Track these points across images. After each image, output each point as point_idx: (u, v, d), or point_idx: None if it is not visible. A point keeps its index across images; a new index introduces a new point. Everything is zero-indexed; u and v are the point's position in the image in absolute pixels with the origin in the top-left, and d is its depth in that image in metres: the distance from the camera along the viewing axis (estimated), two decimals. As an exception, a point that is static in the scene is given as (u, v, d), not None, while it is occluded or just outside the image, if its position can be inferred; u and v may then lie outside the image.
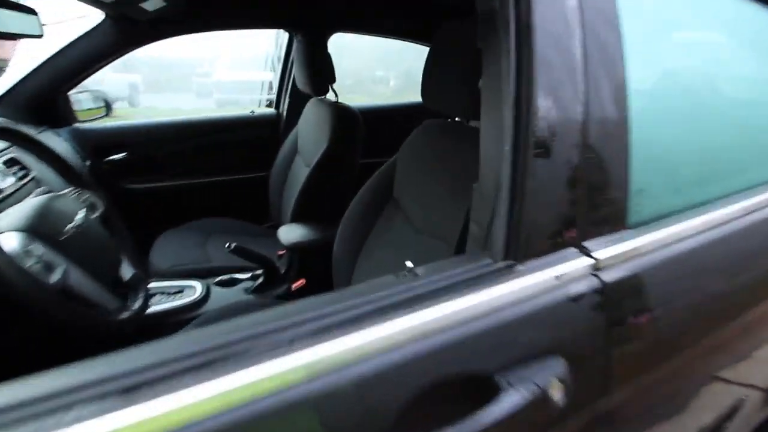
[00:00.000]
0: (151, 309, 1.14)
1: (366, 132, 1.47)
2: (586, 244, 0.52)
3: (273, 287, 1.30)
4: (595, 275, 0.51)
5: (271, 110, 1.99)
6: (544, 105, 0.47)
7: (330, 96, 1.56)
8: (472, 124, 0.87)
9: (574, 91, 0.49)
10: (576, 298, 0.49)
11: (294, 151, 1.72)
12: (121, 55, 1.55)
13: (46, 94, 1.47)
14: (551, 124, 0.48)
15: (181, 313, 1.16)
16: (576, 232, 0.51)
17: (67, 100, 1.58)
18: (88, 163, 1.60)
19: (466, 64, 0.68)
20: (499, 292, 0.46)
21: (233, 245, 1.20)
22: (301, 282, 1.30)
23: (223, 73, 6.82)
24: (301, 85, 1.55)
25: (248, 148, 1.92)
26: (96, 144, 1.67)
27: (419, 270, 0.48)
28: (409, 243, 0.95)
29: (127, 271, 0.97)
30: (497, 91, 0.49)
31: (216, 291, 1.27)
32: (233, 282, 1.35)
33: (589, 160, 0.50)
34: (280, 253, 1.43)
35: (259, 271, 1.30)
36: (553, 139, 0.48)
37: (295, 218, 1.40)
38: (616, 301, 0.52)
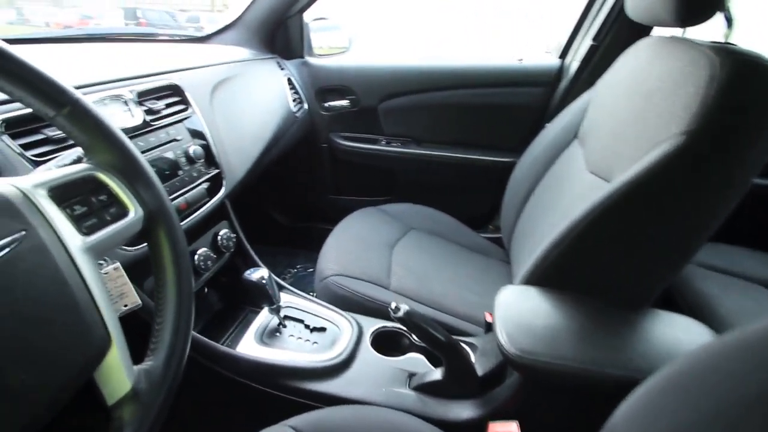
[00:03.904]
0: (271, 357, 0.73)
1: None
2: None
3: (454, 394, 0.68)
4: None
5: (553, 61, 1.22)
6: None
7: (702, 32, 0.68)
8: None
9: None
10: None
11: (570, 135, 0.95)
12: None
13: (276, 16, 1.20)
14: None
15: (300, 377, 0.71)
16: None
17: (300, 27, 1.30)
18: (305, 106, 1.32)
19: None
20: None
21: (402, 309, 0.63)
22: (509, 429, 0.62)
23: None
24: (641, 7, 0.73)
25: (502, 116, 1.26)
26: (321, 85, 1.37)
27: None
28: None
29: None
30: None
31: (366, 355, 0.76)
32: (398, 344, 0.81)
33: None
34: (490, 318, 0.78)
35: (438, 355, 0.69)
36: None
37: (545, 275, 0.67)
38: None
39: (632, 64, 0.80)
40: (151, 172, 0.42)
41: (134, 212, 0.40)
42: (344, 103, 1.37)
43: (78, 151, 0.43)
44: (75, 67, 0.70)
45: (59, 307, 0.30)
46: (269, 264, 0.99)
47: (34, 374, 0.28)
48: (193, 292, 0.45)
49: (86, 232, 0.35)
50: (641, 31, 1.00)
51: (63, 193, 0.35)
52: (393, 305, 0.63)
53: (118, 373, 0.35)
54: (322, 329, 0.81)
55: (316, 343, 0.78)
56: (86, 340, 0.32)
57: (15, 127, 0.50)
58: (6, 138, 0.48)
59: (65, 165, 0.41)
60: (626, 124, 0.71)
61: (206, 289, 0.89)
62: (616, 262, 0.64)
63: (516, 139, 1.21)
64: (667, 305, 0.68)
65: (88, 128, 0.37)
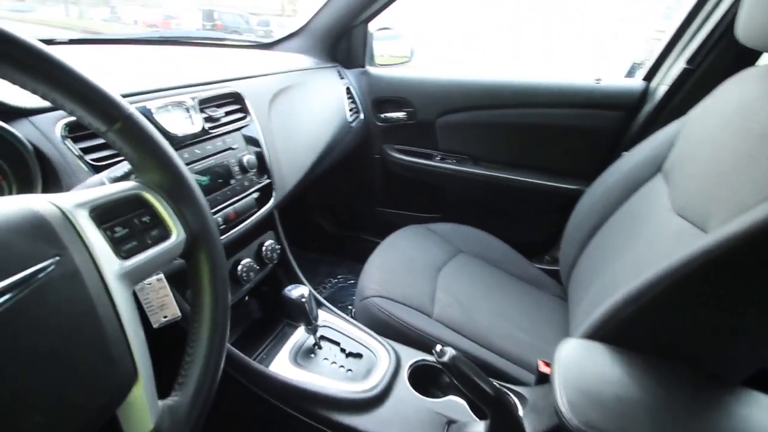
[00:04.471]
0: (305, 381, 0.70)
1: None
2: None
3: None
4: None
5: (637, 82, 1.11)
6: None
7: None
8: None
9: None
10: None
11: (653, 168, 0.84)
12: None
13: (341, 25, 1.18)
14: None
15: (331, 406, 0.67)
16: None
17: (364, 37, 1.28)
18: (361, 116, 1.30)
19: None
20: None
21: (448, 354, 0.57)
22: None
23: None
24: (757, 30, 0.62)
25: (571, 140, 1.16)
26: (378, 95, 1.34)
27: None
28: None
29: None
30: None
31: (402, 391, 0.71)
32: (436, 380, 0.75)
33: None
34: (545, 368, 0.70)
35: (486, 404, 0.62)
36: None
37: (615, 330, 0.58)
38: None
39: (739, 95, 0.68)
40: (199, 193, 0.40)
41: (176, 235, 0.38)
42: (401, 115, 1.33)
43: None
44: (144, 72, 0.72)
45: (85, 341, 0.28)
46: (310, 272, 0.97)
47: (52, 415, 0.26)
48: (229, 316, 0.43)
49: (125, 255, 0.33)
50: (748, 57, 0.87)
51: (105, 213, 0.33)
52: (438, 348, 0.57)
53: (142, 410, 0.33)
54: (359, 355, 0.77)
55: (350, 370, 0.74)
56: (111, 377, 0.30)
57: (77, 131, 0.50)
58: (69, 142, 0.49)
59: (116, 178, 0.40)
60: (731, 166, 0.60)
61: (246, 298, 0.89)
62: (709, 327, 0.54)
63: (586, 165, 1.11)
64: (756, 380, 0.57)
65: (138, 145, 0.36)
